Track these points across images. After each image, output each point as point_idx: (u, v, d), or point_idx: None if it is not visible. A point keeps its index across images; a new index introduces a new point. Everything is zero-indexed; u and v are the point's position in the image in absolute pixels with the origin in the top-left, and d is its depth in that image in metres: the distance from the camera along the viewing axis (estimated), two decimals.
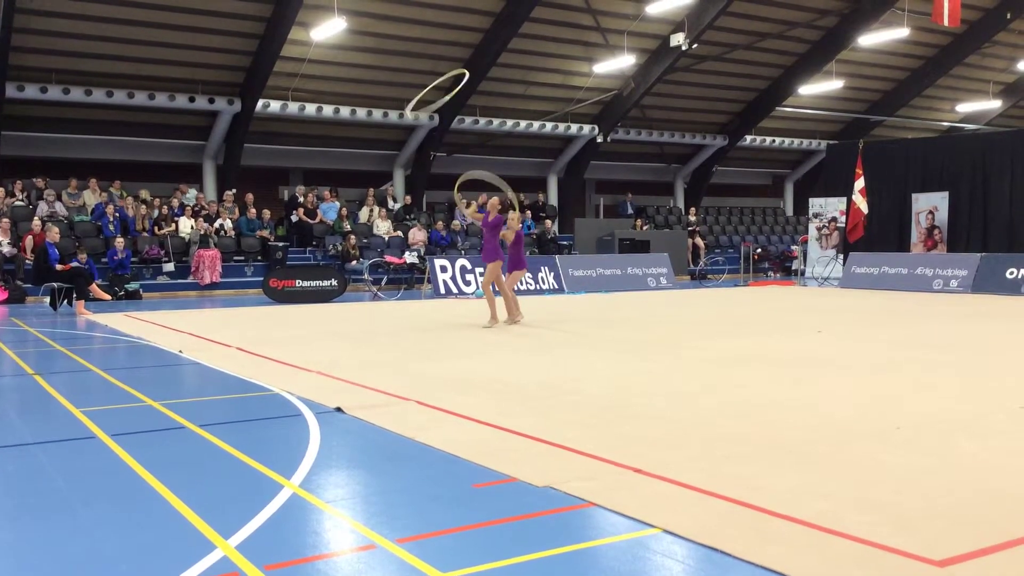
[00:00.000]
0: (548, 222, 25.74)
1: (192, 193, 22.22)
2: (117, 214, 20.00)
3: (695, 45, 23.43)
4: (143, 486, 4.44)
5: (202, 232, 20.34)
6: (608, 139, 26.91)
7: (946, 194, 20.36)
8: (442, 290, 18.66)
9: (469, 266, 19.23)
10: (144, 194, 21.42)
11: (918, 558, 3.29)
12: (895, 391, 6.79)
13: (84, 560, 3.47)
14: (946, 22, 20.79)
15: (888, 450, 4.93)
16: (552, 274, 19.95)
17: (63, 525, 3.88)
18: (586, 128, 26.59)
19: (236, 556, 3.43)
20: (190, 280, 19.95)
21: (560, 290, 19.75)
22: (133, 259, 19.20)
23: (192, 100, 21.19)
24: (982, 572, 3.20)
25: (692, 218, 27.92)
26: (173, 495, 4.25)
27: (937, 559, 3.28)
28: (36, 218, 18.84)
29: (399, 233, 23.05)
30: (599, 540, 3.64)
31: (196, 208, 21.27)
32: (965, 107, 32.04)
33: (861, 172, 20.91)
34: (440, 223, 23.75)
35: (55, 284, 15.38)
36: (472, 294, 18.72)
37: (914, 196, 20.99)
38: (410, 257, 21.44)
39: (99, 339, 11.34)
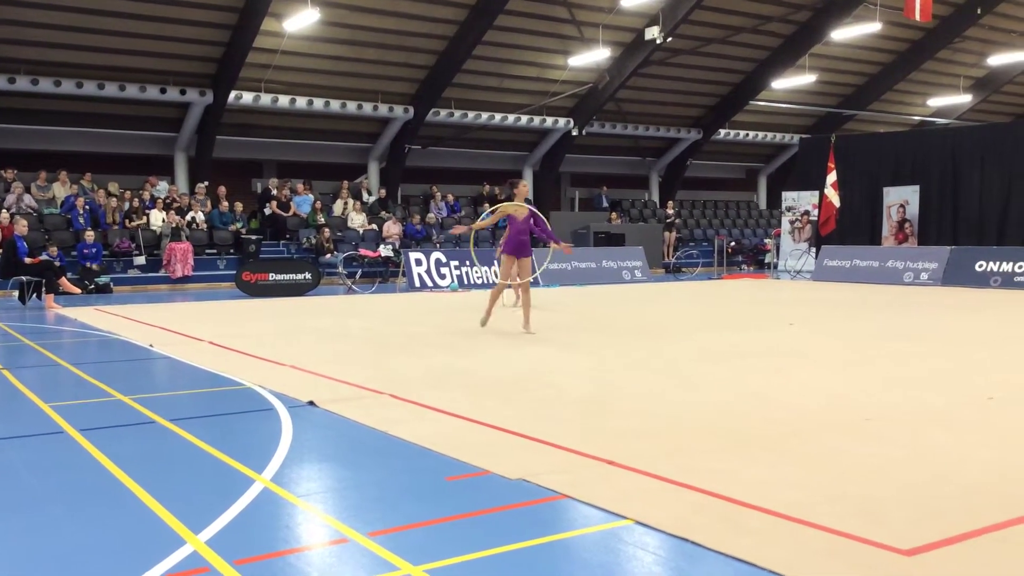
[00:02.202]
0: None
1: (163, 186, 21.99)
2: (87, 207, 19.77)
3: (669, 39, 23.48)
4: (112, 481, 4.40)
5: (174, 225, 20.14)
6: (583, 132, 26.92)
7: (917, 188, 20.57)
8: (417, 283, 18.62)
9: (444, 259, 19.20)
10: (112, 187, 21.17)
11: (887, 548, 3.33)
12: (866, 383, 6.85)
13: (52, 556, 3.43)
14: (917, 17, 20.95)
15: (859, 442, 4.97)
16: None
17: (31, 521, 3.83)
18: (561, 121, 26.59)
19: (206, 551, 3.40)
20: (161, 274, 19.77)
21: (535, 283, 19.74)
22: (104, 252, 18.98)
23: (163, 91, 20.95)
24: (948, 561, 3.24)
25: (670, 211, 28.01)
26: (143, 490, 4.21)
27: (905, 548, 3.32)
28: (4, 210, 18.56)
29: (373, 226, 22.96)
30: (572, 532, 3.65)
31: (168, 201, 21.06)
32: (936, 101, 32.37)
33: (833, 166, 21.08)
34: (416, 216, 23.68)
35: (24, 278, 15.17)
36: (447, 287, 18.70)
37: (885, 190, 21.19)
38: (385, 250, 21.35)
39: (69, 333, 11.21)
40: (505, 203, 10.71)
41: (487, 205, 26.05)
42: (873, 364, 7.84)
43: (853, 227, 21.53)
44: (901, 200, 20.81)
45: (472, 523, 3.76)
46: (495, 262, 13.99)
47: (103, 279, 18.35)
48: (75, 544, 3.57)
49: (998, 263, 17.84)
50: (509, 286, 11.13)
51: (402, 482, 4.37)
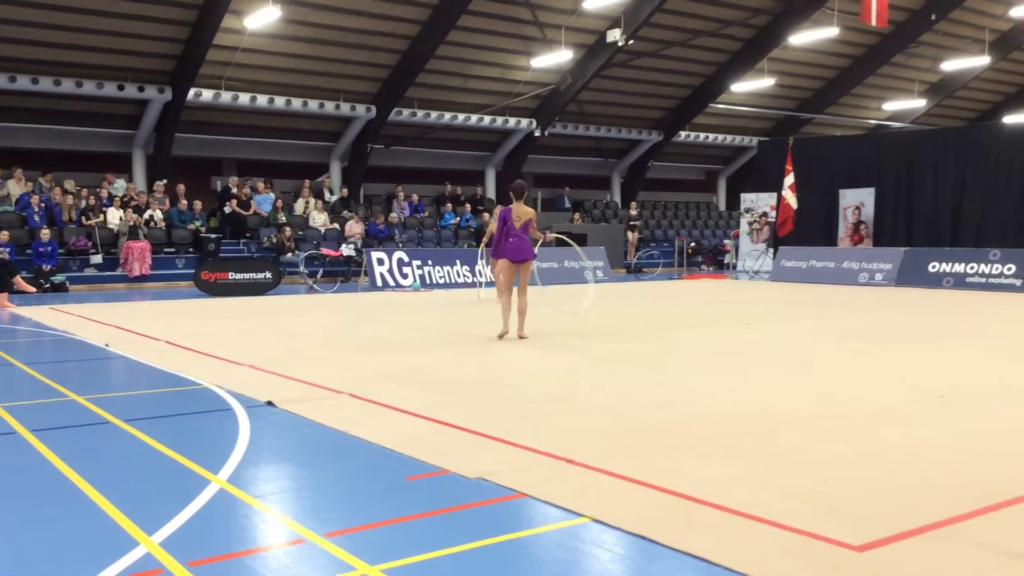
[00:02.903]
0: (486, 215, 25.71)
1: (121, 183, 21.66)
2: (43, 204, 19.40)
3: (631, 41, 23.61)
4: (64, 482, 4.33)
5: (131, 223, 19.84)
6: (546, 133, 26.98)
7: (872, 190, 20.90)
8: (379, 283, 18.53)
9: (406, 259, 19.13)
10: (69, 185, 20.80)
11: (839, 543, 3.39)
12: (821, 382, 6.96)
13: (2, 559, 3.37)
14: (874, 22, 21.30)
15: (814, 439, 5.05)
16: (489, 267, 19.95)
17: None
18: (524, 122, 26.62)
19: (160, 552, 3.37)
20: (118, 272, 19.46)
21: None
22: (60, 251, 18.64)
23: (121, 88, 20.62)
24: (897, 555, 3.30)
25: (633, 212, 28.16)
26: (95, 491, 4.15)
27: (856, 544, 3.37)
28: None
29: (335, 225, 22.81)
30: (530, 530, 3.66)
31: (125, 199, 20.74)
32: (892, 105, 32.90)
33: (791, 168, 21.35)
34: (379, 216, 23.56)
35: None
36: (409, 287, 18.64)
37: (841, 192, 21.49)
38: (347, 250, 21.22)
39: (23, 333, 11.00)
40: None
41: (450, 205, 26.04)
42: (827, 363, 7.95)
43: (810, 228, 21.81)
44: (857, 202, 21.13)
45: (430, 522, 3.75)
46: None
47: (59, 277, 18.02)
48: (26, 546, 3.51)
49: (951, 264, 18.19)
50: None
51: (360, 482, 4.35)
